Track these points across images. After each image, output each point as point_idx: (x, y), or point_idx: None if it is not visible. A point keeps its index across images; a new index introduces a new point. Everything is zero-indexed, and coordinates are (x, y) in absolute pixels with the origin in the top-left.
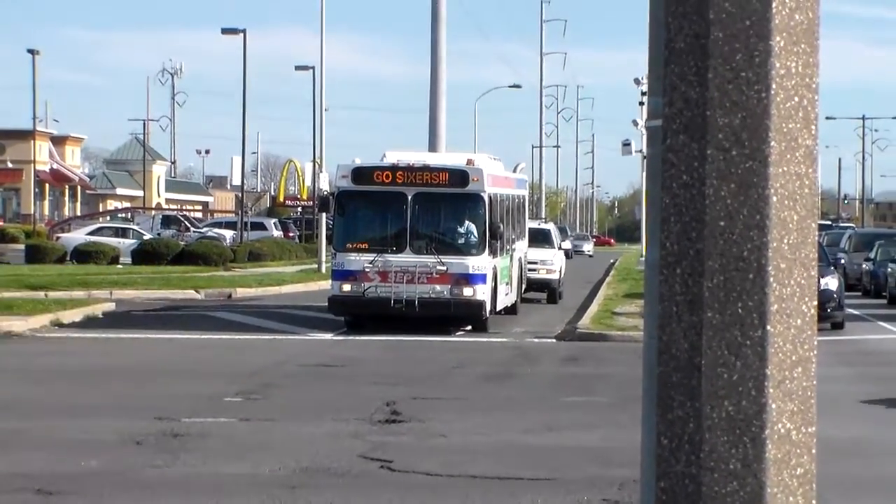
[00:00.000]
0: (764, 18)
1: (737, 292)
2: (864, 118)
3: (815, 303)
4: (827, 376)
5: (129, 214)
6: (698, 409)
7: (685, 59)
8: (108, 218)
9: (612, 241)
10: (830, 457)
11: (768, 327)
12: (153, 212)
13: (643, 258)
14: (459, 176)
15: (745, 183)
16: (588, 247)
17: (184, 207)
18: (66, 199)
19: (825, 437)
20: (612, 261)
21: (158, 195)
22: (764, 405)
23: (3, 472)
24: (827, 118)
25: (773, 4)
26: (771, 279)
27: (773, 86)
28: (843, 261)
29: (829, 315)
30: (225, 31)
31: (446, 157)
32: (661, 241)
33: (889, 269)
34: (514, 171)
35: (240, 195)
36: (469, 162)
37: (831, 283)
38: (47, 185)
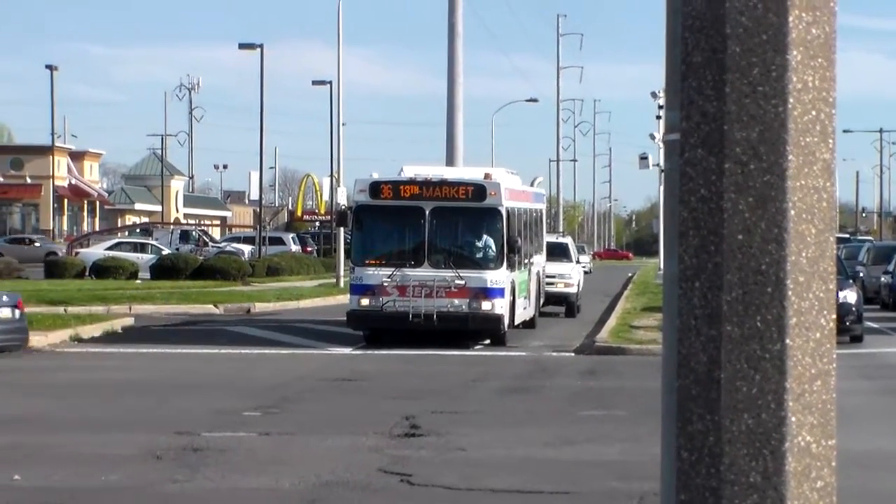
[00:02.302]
0: (781, 33)
1: (755, 306)
2: (881, 131)
3: (834, 316)
4: (846, 389)
5: (149, 229)
6: (718, 422)
7: (702, 73)
8: (127, 233)
9: (630, 254)
10: (850, 470)
11: (787, 340)
12: (171, 227)
13: (661, 272)
14: (477, 190)
15: (763, 196)
16: (584, 260)
17: (202, 222)
18: (85, 214)
19: (845, 449)
20: (629, 274)
21: (177, 210)
22: (783, 418)
23: (25, 487)
24: (844, 131)
25: (790, 19)
26: (789, 292)
27: (791, 100)
28: (861, 274)
29: (848, 328)
30: (242, 46)
31: (464, 172)
32: (679, 255)
33: None
34: (532, 184)
35: (258, 210)
36: (487, 176)
37: (850, 296)
38: (66, 201)
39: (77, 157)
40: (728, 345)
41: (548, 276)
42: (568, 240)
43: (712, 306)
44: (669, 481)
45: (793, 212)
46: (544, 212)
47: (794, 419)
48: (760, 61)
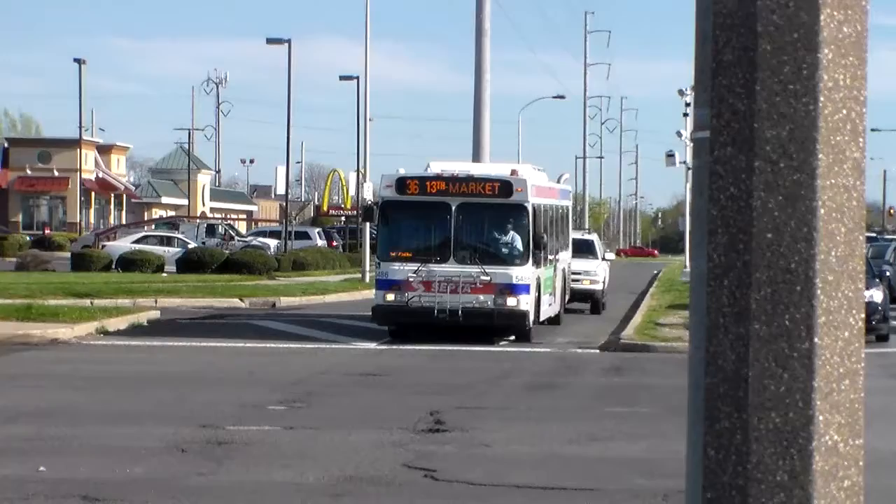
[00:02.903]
0: (812, 31)
1: (784, 304)
2: None
3: (863, 315)
4: (872, 388)
5: (175, 223)
6: (745, 420)
7: (733, 71)
8: (153, 227)
9: (656, 252)
10: (877, 469)
11: (816, 339)
12: (198, 220)
13: (687, 269)
14: (503, 186)
15: (793, 195)
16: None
17: (228, 216)
18: (112, 207)
19: (871, 449)
20: (655, 272)
21: (203, 204)
22: (811, 417)
23: (50, 479)
24: (872, 130)
25: (822, 17)
26: (818, 291)
27: (821, 98)
28: (888, 273)
29: (874, 327)
30: (270, 40)
31: (490, 168)
32: (708, 253)
33: None
34: (558, 181)
35: (284, 204)
36: (513, 172)
37: (876, 295)
38: (93, 194)
39: (104, 150)
40: (756, 343)
41: (573, 273)
42: (594, 236)
43: (741, 304)
44: (695, 479)
45: (822, 210)
46: (570, 209)
47: (821, 418)
48: (792, 59)
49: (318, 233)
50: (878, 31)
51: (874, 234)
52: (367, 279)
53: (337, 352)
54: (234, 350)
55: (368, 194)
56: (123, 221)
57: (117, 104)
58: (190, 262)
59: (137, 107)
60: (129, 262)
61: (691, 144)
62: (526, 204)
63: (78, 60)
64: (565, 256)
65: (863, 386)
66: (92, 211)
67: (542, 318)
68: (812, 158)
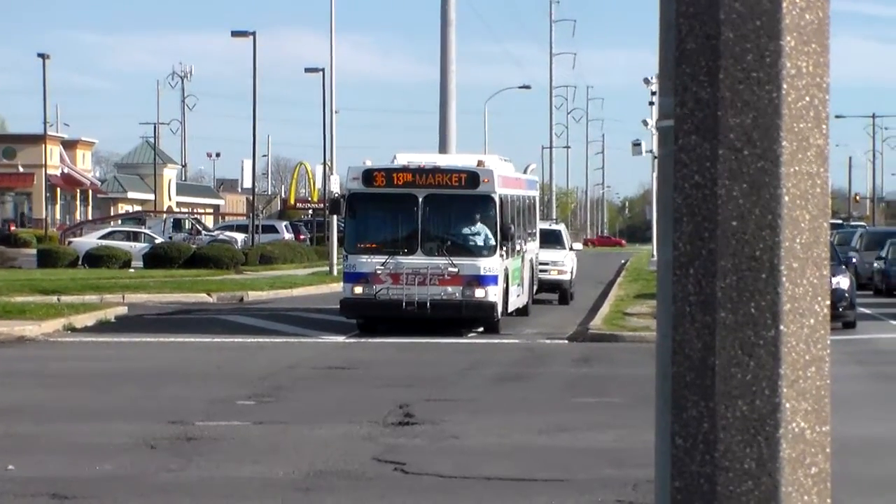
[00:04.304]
0: (774, 18)
1: (749, 292)
2: (874, 116)
3: (828, 302)
4: (839, 375)
5: (142, 218)
6: (712, 408)
7: (696, 59)
8: (120, 222)
9: (623, 241)
10: (845, 456)
11: (781, 327)
12: (164, 215)
13: (654, 258)
14: (470, 177)
15: (757, 183)
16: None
17: (195, 211)
18: (78, 203)
19: (838, 436)
20: (622, 261)
21: (169, 199)
22: (778, 404)
23: (19, 477)
24: (836, 117)
25: (784, 4)
26: (783, 279)
27: (784, 85)
28: (854, 260)
29: (841, 314)
30: (235, 33)
31: (457, 159)
32: (673, 242)
33: None
34: (525, 172)
35: (251, 198)
36: (480, 163)
37: (843, 282)
38: (59, 190)
39: (69, 145)
40: (722, 331)
41: (541, 264)
42: (561, 227)
43: (706, 293)
44: (664, 468)
45: (787, 198)
46: (537, 199)
47: (788, 405)
48: (754, 47)
49: (285, 226)
50: (842, 18)
51: (840, 221)
52: (335, 272)
53: (305, 346)
54: (202, 345)
55: (335, 187)
56: (89, 217)
57: (82, 99)
58: (157, 258)
59: (102, 101)
60: (95, 258)
61: (657, 133)
62: (493, 195)
63: (42, 55)
64: (533, 247)
65: (829, 373)
66: (58, 207)
67: (510, 310)
68: (776, 146)
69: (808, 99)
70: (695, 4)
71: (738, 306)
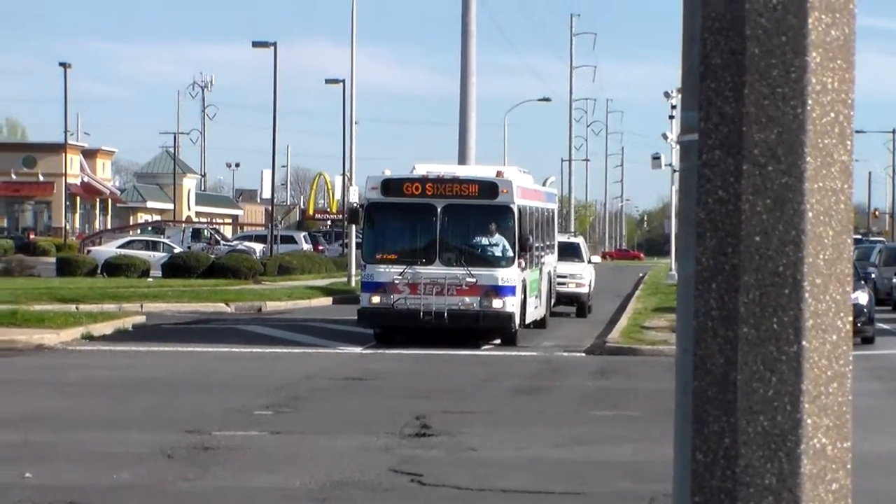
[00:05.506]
0: (800, 34)
1: (772, 307)
2: (893, 132)
3: (850, 318)
4: (858, 391)
5: (161, 227)
6: (734, 424)
7: (721, 74)
8: (139, 231)
9: (642, 254)
10: (863, 471)
11: (804, 343)
12: (183, 225)
13: (673, 272)
14: (489, 187)
15: (781, 198)
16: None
17: (214, 221)
18: (97, 212)
19: (859, 451)
20: (640, 275)
21: (189, 208)
22: (799, 420)
23: (36, 485)
24: (856, 132)
25: (810, 20)
26: (806, 295)
27: (810, 101)
28: (873, 275)
29: (860, 330)
30: (256, 44)
31: (476, 170)
32: (696, 256)
33: None
34: (544, 184)
35: (269, 208)
36: (499, 174)
37: (861, 297)
38: (78, 199)
39: (90, 154)
40: (745, 346)
41: (559, 276)
42: (579, 239)
43: (729, 308)
44: (683, 482)
45: (810, 214)
46: (556, 211)
47: (809, 421)
48: (780, 63)
49: (304, 237)
50: (863, 33)
51: (859, 237)
52: (353, 283)
53: (323, 356)
54: (220, 355)
55: (354, 198)
56: (109, 226)
57: (103, 108)
58: (175, 267)
59: (123, 111)
60: (114, 267)
61: (677, 147)
62: (511, 205)
63: (63, 64)
64: (551, 259)
65: (850, 389)
66: (77, 216)
67: (527, 321)
68: (800, 162)
69: (832, 115)
70: (720, 20)
71: (760, 322)
